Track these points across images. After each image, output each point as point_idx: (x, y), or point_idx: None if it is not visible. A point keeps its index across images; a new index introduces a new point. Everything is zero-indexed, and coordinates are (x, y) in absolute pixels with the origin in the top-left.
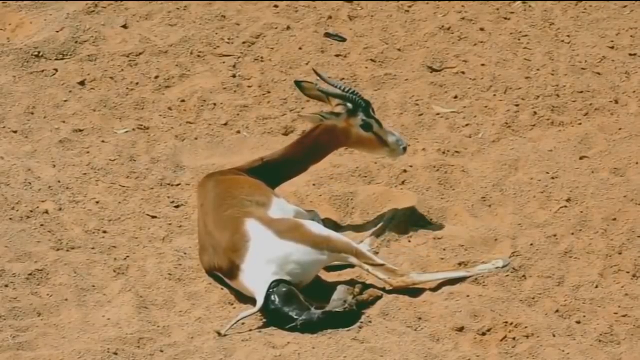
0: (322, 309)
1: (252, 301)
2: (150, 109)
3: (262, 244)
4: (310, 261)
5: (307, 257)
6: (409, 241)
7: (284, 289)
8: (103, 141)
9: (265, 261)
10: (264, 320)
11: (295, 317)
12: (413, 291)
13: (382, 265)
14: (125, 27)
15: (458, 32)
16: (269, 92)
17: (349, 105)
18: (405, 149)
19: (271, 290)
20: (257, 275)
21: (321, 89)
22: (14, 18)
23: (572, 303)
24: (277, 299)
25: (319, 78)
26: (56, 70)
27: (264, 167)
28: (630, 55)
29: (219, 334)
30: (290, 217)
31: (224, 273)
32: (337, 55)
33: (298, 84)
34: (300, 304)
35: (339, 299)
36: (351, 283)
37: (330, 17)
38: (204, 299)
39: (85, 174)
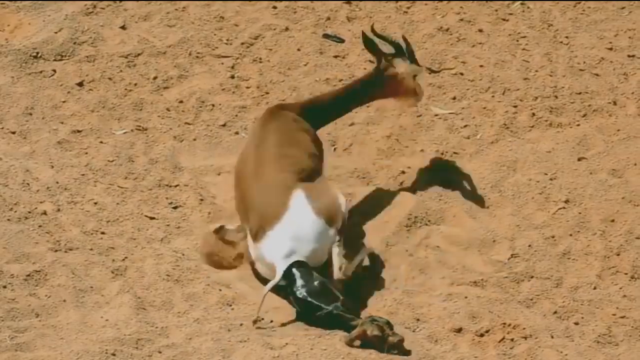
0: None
1: (250, 301)
2: (148, 110)
3: (297, 218)
4: (329, 244)
5: (329, 241)
6: (407, 241)
7: (316, 281)
8: (101, 142)
9: (291, 236)
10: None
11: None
12: (411, 292)
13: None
14: (123, 27)
15: (456, 33)
16: (267, 93)
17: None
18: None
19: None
20: (279, 247)
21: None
22: (12, 19)
23: (570, 304)
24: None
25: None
26: (54, 71)
27: (314, 107)
28: (629, 56)
29: (255, 321)
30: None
31: (250, 229)
32: (336, 56)
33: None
34: (331, 294)
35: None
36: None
37: (328, 18)
38: (202, 299)
39: (83, 174)
